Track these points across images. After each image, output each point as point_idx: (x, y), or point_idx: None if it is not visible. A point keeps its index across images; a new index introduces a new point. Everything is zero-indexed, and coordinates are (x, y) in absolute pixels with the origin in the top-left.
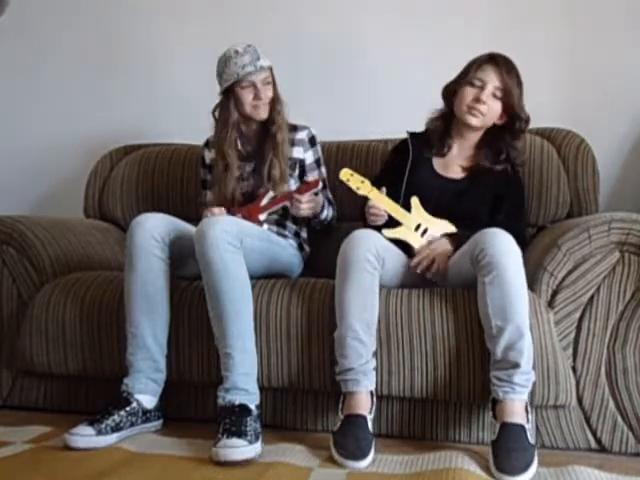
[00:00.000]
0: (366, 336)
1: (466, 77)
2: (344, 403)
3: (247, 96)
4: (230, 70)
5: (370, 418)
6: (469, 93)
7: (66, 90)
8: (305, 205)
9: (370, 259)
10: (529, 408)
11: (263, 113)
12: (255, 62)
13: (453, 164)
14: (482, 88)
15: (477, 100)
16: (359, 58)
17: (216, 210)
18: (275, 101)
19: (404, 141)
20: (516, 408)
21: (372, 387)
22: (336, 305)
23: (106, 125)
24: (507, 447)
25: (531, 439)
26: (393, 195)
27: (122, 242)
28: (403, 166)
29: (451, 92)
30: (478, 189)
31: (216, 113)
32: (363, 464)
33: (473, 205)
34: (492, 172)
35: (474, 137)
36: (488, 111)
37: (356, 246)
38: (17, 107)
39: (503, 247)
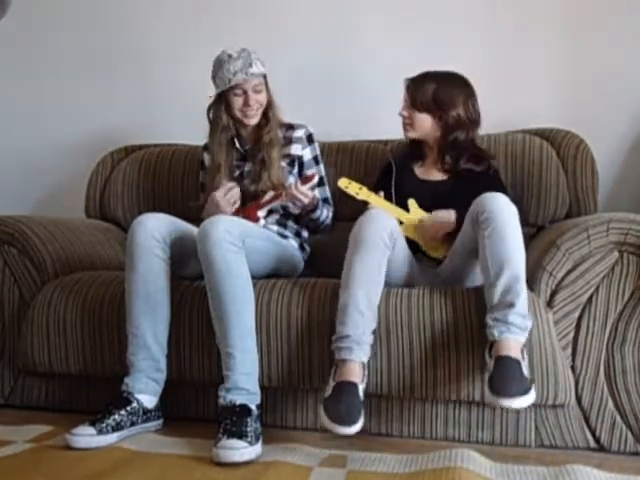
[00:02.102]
0: (366, 309)
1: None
2: (336, 372)
3: (237, 102)
4: (222, 75)
5: (362, 387)
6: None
7: (67, 90)
8: (300, 194)
9: (384, 236)
10: (525, 352)
11: (252, 119)
12: (247, 69)
13: (433, 168)
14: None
15: (401, 114)
16: (359, 58)
17: (219, 194)
18: (268, 107)
19: (388, 163)
20: (511, 346)
21: (365, 359)
22: (342, 278)
23: (107, 125)
24: (502, 375)
25: (527, 373)
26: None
27: (123, 242)
28: (389, 180)
29: None
30: (462, 190)
31: (210, 114)
32: (353, 429)
33: (458, 203)
34: (472, 173)
35: (435, 143)
36: (412, 120)
37: (373, 222)
38: (18, 107)
39: (501, 204)
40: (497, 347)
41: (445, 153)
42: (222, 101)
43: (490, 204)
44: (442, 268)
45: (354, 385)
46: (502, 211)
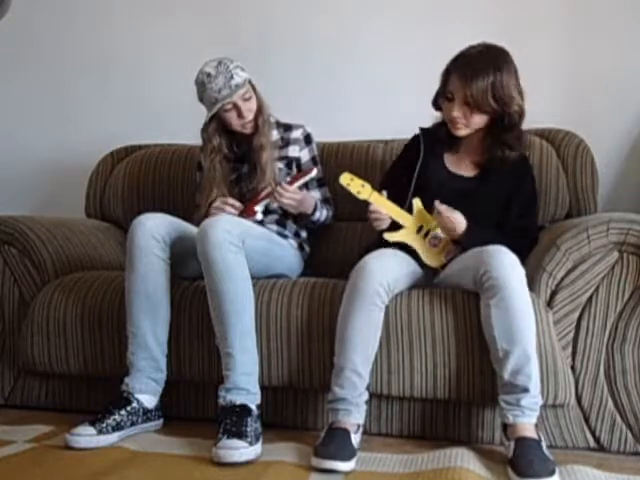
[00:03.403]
0: (364, 369)
1: (442, 89)
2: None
3: (231, 117)
4: (208, 96)
5: (355, 437)
6: (446, 108)
7: (67, 90)
8: (288, 195)
9: (380, 293)
10: (539, 431)
11: (250, 128)
12: (229, 82)
13: (465, 160)
14: (453, 101)
15: (452, 115)
16: (360, 58)
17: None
18: (258, 112)
19: (416, 137)
20: (527, 428)
21: (362, 421)
22: (338, 334)
23: (107, 125)
24: (525, 456)
25: (549, 454)
26: (402, 193)
27: (123, 242)
28: (414, 163)
29: (438, 106)
30: (488, 189)
31: (205, 135)
32: (343, 466)
33: (482, 207)
34: (504, 168)
35: (477, 135)
36: (468, 120)
37: (368, 278)
38: (18, 108)
39: (508, 269)
40: (513, 429)
41: (490, 152)
42: (215, 121)
43: (495, 269)
44: (439, 280)
45: (347, 431)
46: (509, 278)
